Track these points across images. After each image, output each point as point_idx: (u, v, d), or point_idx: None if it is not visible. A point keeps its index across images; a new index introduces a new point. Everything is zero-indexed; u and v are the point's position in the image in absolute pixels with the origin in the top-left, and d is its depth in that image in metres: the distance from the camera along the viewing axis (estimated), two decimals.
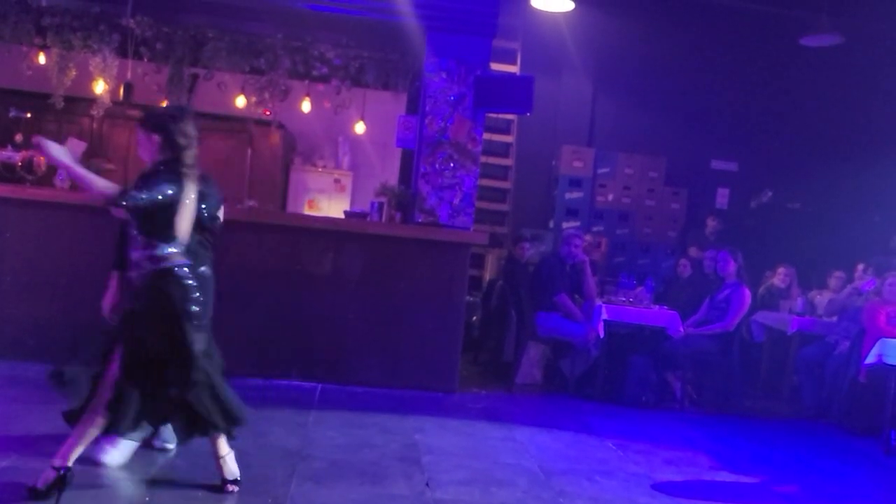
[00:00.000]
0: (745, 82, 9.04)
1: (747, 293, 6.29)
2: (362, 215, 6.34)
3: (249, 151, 8.65)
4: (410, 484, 3.66)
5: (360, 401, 5.23)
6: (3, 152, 5.75)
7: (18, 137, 6.00)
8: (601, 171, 8.79)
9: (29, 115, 7.16)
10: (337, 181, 9.00)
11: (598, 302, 6.30)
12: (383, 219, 6.22)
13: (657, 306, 6.47)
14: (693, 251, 7.86)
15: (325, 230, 5.82)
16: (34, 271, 5.27)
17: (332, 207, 8.74)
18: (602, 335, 6.03)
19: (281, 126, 8.50)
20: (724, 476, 4.40)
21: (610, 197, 8.79)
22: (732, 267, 6.35)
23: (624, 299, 6.47)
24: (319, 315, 5.62)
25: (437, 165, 6.08)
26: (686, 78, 8.97)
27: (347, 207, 8.11)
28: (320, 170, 9.06)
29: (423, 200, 6.08)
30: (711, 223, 8.34)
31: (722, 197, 9.20)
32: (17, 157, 5.75)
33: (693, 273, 7.53)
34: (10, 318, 5.23)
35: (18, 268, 5.31)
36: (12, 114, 6.92)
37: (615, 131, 9.00)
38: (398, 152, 8.07)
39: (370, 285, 5.71)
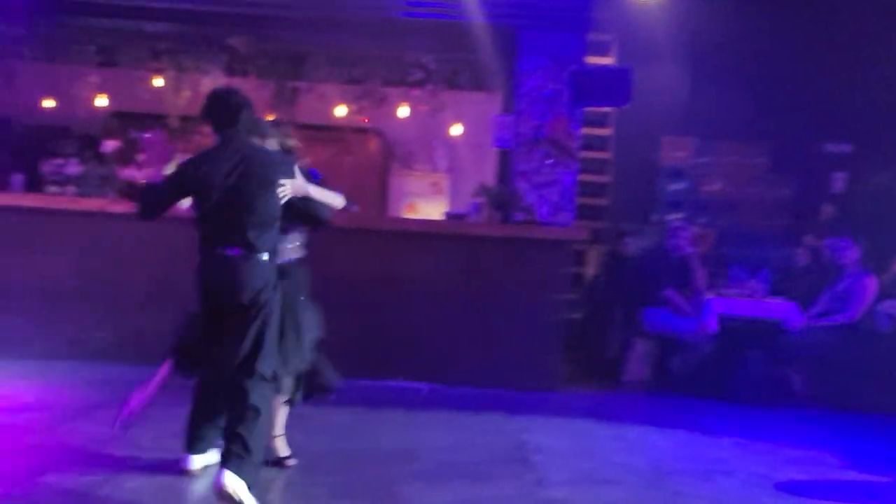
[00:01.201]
0: (855, 60, 8.49)
1: (871, 282, 5.92)
2: (462, 216, 6.39)
3: (349, 159, 8.88)
4: (520, 483, 3.66)
5: (465, 401, 5.26)
6: (128, 171, 6.16)
7: (141, 157, 6.41)
8: (703, 160, 8.48)
9: (148, 135, 7.63)
10: (435, 184, 9.11)
11: (708, 295, 6.09)
12: (482, 219, 6.25)
13: (773, 298, 6.18)
14: (809, 239, 7.44)
15: (425, 233, 5.90)
16: (157, 282, 5.60)
17: (431, 210, 8.85)
18: (714, 330, 5.82)
19: (379, 133, 8.69)
20: (853, 475, 4.16)
21: (714, 186, 8.47)
22: (853, 255, 6.00)
23: (737, 292, 6.22)
24: (423, 317, 5.70)
25: (534, 163, 6.05)
26: (790, 59, 8.50)
27: (446, 209, 8.18)
28: (418, 173, 9.19)
29: (522, 199, 6.06)
30: (827, 209, 7.88)
31: (837, 181, 8.68)
32: (140, 175, 6.14)
33: (810, 262, 7.14)
34: (139, 326, 5.59)
35: (144, 279, 5.66)
36: (133, 135, 7.40)
37: (716, 119, 8.64)
38: (495, 152, 8.08)
39: (472, 286, 5.74)
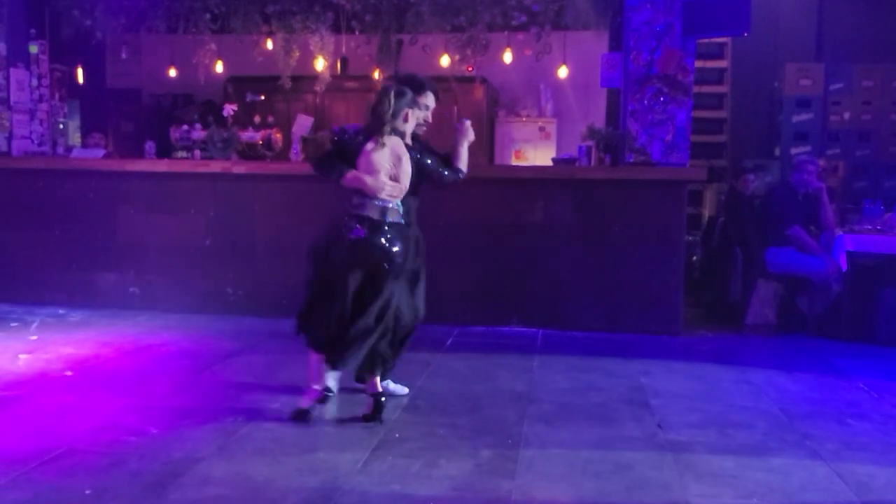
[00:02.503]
0: None
1: None
2: (570, 161, 6.28)
3: (455, 109, 8.87)
4: (642, 426, 3.65)
5: (581, 345, 5.26)
6: (246, 133, 6.43)
7: (256, 119, 6.67)
8: (834, 87, 7.89)
9: (262, 97, 7.92)
10: (542, 129, 8.96)
11: (839, 232, 5.73)
12: (592, 163, 6.12)
13: None
14: None
15: (534, 179, 5.86)
16: (281, 238, 5.89)
17: (539, 156, 8.73)
18: (845, 268, 5.50)
19: (484, 80, 8.61)
20: None
21: (846, 115, 7.88)
22: None
23: (870, 227, 5.82)
24: (536, 263, 5.71)
25: (645, 102, 5.83)
26: None
27: (554, 154, 8.06)
28: (524, 119, 9.07)
29: (634, 140, 5.88)
30: None
31: None
32: (258, 136, 6.41)
33: None
34: (266, 281, 5.91)
35: (269, 236, 5.96)
36: (248, 98, 7.69)
37: (848, 41, 7.99)
38: (603, 93, 7.84)
39: (583, 231, 5.68)
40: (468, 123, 3.91)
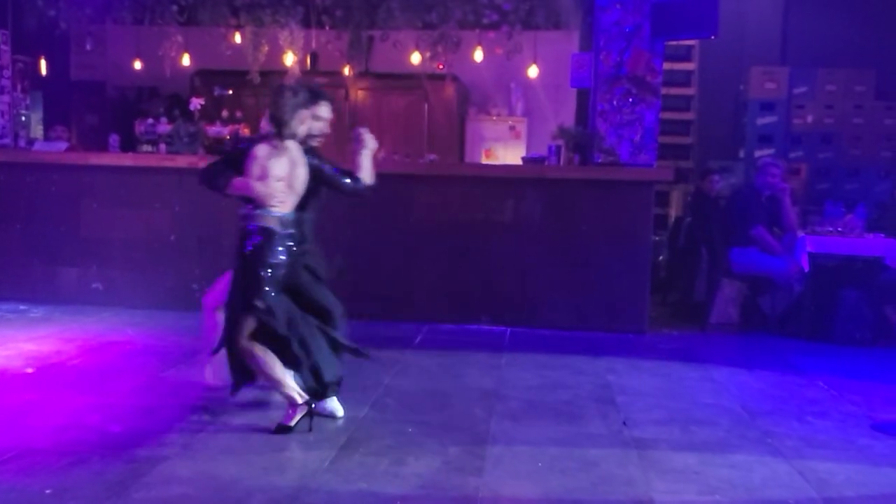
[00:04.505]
0: None
1: None
2: (540, 160, 6.32)
3: (426, 106, 8.87)
4: (607, 423, 3.69)
5: (549, 343, 5.30)
6: (213, 128, 6.36)
7: (224, 113, 6.60)
8: (797, 90, 8.05)
9: (230, 92, 7.83)
10: (512, 128, 9.00)
11: (801, 233, 5.85)
12: (562, 162, 6.17)
13: (871, 234, 5.90)
14: None
15: (504, 178, 5.89)
16: None
17: (509, 155, 8.77)
18: (807, 269, 5.62)
19: (455, 78, 8.62)
20: None
21: (809, 118, 8.04)
22: None
23: (831, 229, 5.95)
24: (505, 261, 5.74)
25: (615, 102, 5.89)
26: None
27: (524, 153, 8.10)
28: (495, 118, 9.10)
29: (602, 140, 5.93)
30: None
31: None
32: (226, 131, 6.34)
33: None
34: None
35: (232, 232, 5.88)
36: (216, 92, 7.60)
37: (812, 46, 8.16)
38: (573, 93, 7.90)
39: (553, 230, 5.72)
40: (364, 131, 3.74)
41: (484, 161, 8.76)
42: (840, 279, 5.74)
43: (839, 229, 5.96)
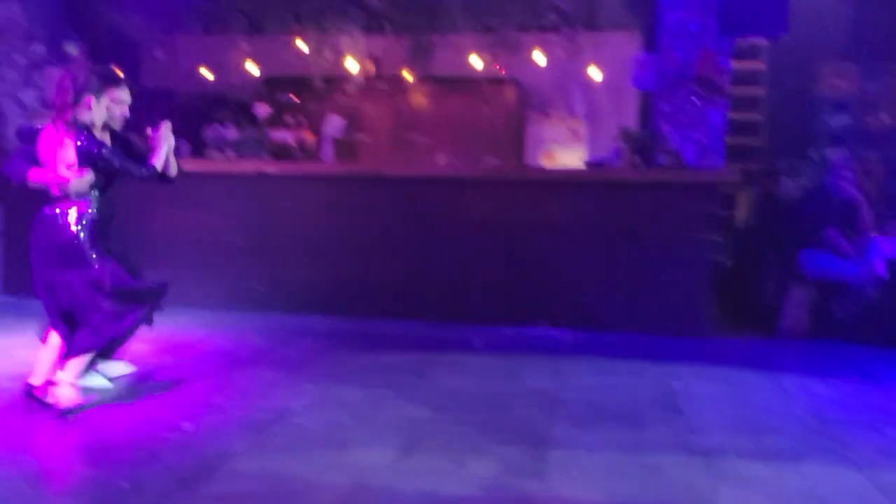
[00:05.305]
0: None
1: None
2: (602, 163, 6.25)
3: (485, 110, 8.88)
4: (672, 429, 3.62)
5: (610, 347, 5.23)
6: (278, 133, 6.52)
7: (289, 119, 6.75)
8: (870, 88, 7.73)
9: (295, 98, 8.01)
10: (573, 131, 8.93)
11: (875, 236, 5.62)
12: (624, 165, 6.09)
13: None
14: None
15: (563, 181, 5.84)
16: (310, 237, 5.94)
17: (569, 157, 8.70)
18: (882, 273, 5.39)
19: (514, 81, 8.61)
20: None
21: (883, 116, 7.72)
22: None
23: None
24: (565, 264, 5.69)
25: (679, 103, 5.80)
26: None
27: (584, 156, 8.03)
28: (555, 121, 9.04)
29: (666, 142, 5.83)
30: None
31: None
32: (290, 137, 6.48)
33: None
34: (294, 279, 5.97)
35: (298, 235, 6.02)
36: (281, 98, 7.79)
37: (886, 41, 7.84)
38: (636, 95, 7.79)
39: (614, 232, 5.65)
40: (166, 126, 3.88)
41: (544, 163, 8.72)
42: None
43: None
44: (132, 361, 4.41)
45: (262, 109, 6.52)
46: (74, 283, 3.60)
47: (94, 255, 3.62)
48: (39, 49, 6.70)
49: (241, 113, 7.65)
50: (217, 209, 6.13)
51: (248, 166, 6.09)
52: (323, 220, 5.89)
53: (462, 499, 2.82)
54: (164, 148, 3.86)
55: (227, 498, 2.79)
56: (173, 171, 3.92)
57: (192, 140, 6.83)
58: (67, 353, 3.63)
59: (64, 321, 3.67)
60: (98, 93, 3.63)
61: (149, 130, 3.87)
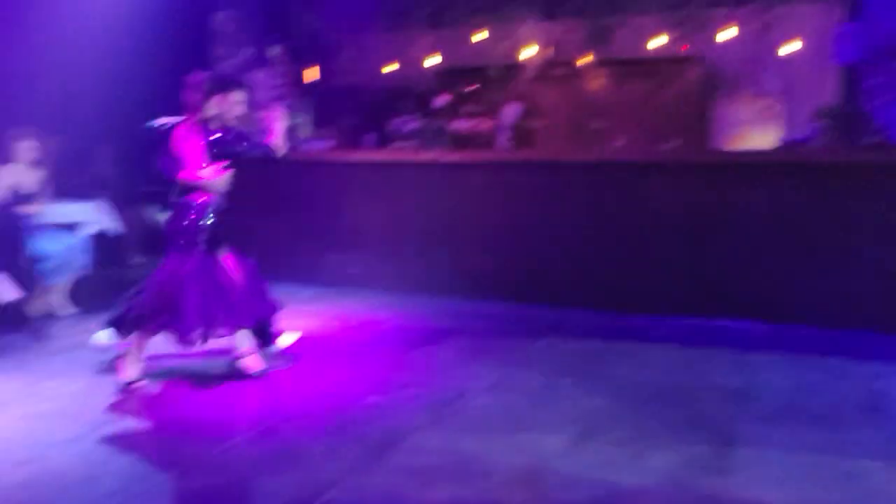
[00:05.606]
0: None
1: None
2: (801, 143, 5.80)
3: (668, 91, 8.54)
4: (878, 432, 3.32)
5: (808, 343, 4.85)
6: (457, 122, 6.70)
7: (468, 108, 6.91)
8: None
9: (474, 87, 8.17)
10: (766, 110, 8.34)
11: None
12: (825, 145, 5.61)
13: None
14: None
15: (754, 163, 5.49)
16: (488, 225, 6.04)
17: (764, 139, 8.14)
18: None
19: (699, 60, 8.20)
20: None
21: None
22: None
23: None
24: (756, 252, 5.35)
25: (887, 77, 5.23)
26: None
27: (780, 136, 7.47)
28: (746, 100, 8.49)
29: (873, 119, 5.30)
30: None
31: None
32: (469, 126, 6.64)
33: None
34: (473, 265, 6.11)
35: (476, 223, 6.14)
36: (460, 89, 7.98)
37: None
38: (836, 69, 7.13)
39: (812, 218, 5.22)
40: (281, 108, 4.28)
41: (736, 146, 8.23)
42: None
43: None
44: (322, 338, 4.75)
45: (442, 100, 6.72)
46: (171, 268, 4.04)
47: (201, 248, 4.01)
48: (247, 52, 7.35)
49: (422, 104, 7.94)
50: (402, 197, 6.42)
51: (427, 156, 6.30)
52: (500, 207, 5.98)
53: (641, 491, 2.79)
54: (280, 129, 4.27)
55: (412, 470, 2.95)
56: (281, 151, 4.30)
57: (377, 132, 7.20)
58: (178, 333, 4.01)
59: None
60: (224, 93, 4.09)
61: (263, 113, 4.30)
